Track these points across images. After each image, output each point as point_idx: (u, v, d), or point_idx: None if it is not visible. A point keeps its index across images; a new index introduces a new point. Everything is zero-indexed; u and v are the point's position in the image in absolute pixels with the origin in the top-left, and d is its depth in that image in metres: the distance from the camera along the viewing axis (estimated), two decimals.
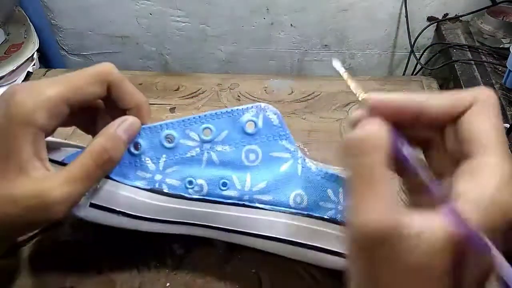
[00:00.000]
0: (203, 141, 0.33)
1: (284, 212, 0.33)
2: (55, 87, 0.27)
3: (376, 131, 0.20)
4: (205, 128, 0.33)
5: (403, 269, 0.18)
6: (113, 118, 0.31)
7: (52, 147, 0.33)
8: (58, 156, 0.32)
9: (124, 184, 0.32)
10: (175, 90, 0.62)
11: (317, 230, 0.34)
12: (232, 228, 0.34)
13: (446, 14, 0.72)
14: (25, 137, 0.26)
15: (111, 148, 0.29)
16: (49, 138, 0.31)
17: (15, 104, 0.26)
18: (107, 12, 0.77)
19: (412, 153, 0.21)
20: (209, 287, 0.37)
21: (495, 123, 0.20)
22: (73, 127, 0.41)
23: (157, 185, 0.33)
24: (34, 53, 0.68)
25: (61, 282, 0.36)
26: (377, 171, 0.19)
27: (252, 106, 0.33)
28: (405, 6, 0.71)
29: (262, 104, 0.33)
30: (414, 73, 0.75)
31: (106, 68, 0.30)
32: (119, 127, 0.30)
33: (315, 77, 0.70)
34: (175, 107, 0.59)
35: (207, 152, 0.33)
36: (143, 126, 0.32)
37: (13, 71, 0.63)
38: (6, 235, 0.28)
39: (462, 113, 0.21)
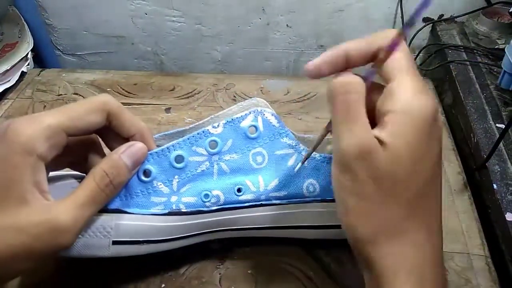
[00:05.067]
0: (211, 154, 0.33)
1: (300, 203, 0.36)
2: (54, 116, 0.27)
3: (353, 77, 0.25)
4: (211, 141, 0.33)
5: (378, 175, 0.24)
6: (113, 149, 0.31)
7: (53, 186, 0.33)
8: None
9: (142, 214, 0.32)
10: (171, 90, 0.62)
11: (332, 211, 0.36)
12: (252, 226, 0.36)
13: (442, 15, 0.72)
14: (25, 166, 0.25)
15: (111, 173, 0.29)
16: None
17: (13, 132, 0.25)
18: (102, 12, 0.76)
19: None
20: None
21: (405, 53, 0.26)
22: None
23: (174, 207, 0.33)
24: (28, 52, 0.67)
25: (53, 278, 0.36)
26: (357, 106, 0.24)
27: (250, 112, 0.34)
28: (401, 7, 0.71)
29: (259, 108, 0.34)
30: None
31: (105, 97, 0.30)
32: (124, 153, 0.30)
33: None
34: (170, 107, 0.58)
35: (217, 164, 0.34)
36: (150, 151, 0.32)
37: (7, 70, 0.62)
38: (12, 269, 0.26)
39: (378, 50, 0.26)
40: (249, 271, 0.39)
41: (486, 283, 0.37)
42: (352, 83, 0.25)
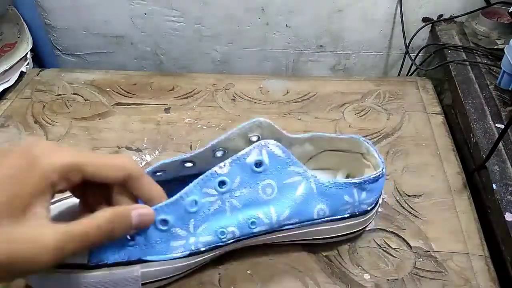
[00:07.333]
0: (221, 193, 0.34)
1: (310, 225, 0.37)
2: (79, 157, 0.29)
3: None
4: (220, 181, 0.34)
5: None
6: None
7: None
8: None
9: (164, 260, 0.34)
10: (170, 90, 0.62)
11: (339, 227, 0.38)
12: (264, 243, 0.38)
13: (441, 15, 0.72)
14: (37, 187, 0.27)
15: (116, 222, 0.30)
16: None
17: (38, 154, 0.28)
18: (102, 12, 0.76)
19: None
20: None
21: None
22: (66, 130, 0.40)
23: (193, 247, 0.35)
24: (27, 52, 0.67)
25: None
26: None
27: (254, 147, 0.35)
28: (400, 7, 0.71)
29: (262, 142, 0.35)
30: (409, 73, 0.75)
31: (126, 161, 0.32)
32: (135, 211, 0.31)
33: (310, 77, 0.70)
34: (170, 107, 0.58)
35: (228, 201, 0.35)
36: (166, 202, 0.33)
37: (6, 70, 0.62)
38: None
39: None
40: (248, 271, 0.39)
41: (485, 283, 0.37)
42: None
